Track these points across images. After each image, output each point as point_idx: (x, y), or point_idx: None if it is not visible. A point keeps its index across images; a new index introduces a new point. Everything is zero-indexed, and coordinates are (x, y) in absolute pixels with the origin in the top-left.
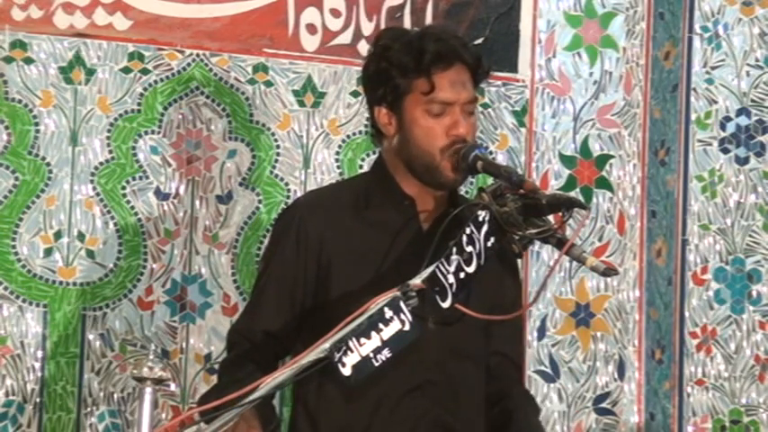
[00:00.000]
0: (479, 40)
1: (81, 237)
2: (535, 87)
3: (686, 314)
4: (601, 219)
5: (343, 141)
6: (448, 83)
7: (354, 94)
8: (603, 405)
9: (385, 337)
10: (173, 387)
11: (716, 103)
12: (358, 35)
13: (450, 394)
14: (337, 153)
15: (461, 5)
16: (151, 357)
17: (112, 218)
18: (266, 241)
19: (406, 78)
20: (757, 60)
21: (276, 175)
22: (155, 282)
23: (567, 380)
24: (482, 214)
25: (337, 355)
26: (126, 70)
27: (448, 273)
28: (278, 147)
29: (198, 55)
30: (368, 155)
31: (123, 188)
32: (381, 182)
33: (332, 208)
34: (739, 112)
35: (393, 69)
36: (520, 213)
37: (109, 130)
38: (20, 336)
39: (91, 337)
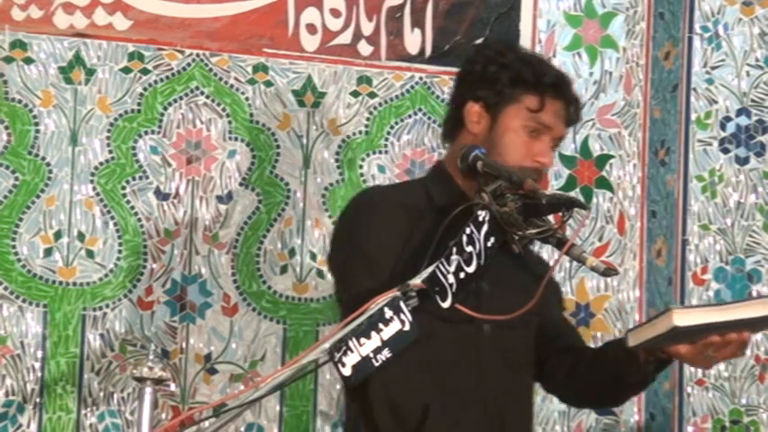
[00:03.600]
0: (479, 40)
1: (81, 237)
2: None
3: None
4: (601, 219)
5: (343, 141)
6: (553, 111)
7: (354, 94)
8: None
9: (385, 337)
10: (173, 387)
11: (716, 103)
12: (358, 35)
13: (501, 408)
14: (337, 153)
15: (461, 5)
16: (151, 357)
17: (112, 218)
18: (343, 227)
19: (517, 89)
20: (757, 60)
21: (276, 175)
22: (155, 282)
23: None
24: (482, 214)
25: (337, 355)
26: (126, 70)
27: (448, 273)
28: (278, 147)
29: (198, 55)
30: (368, 155)
31: (123, 188)
32: (445, 186)
33: (403, 206)
34: (739, 112)
35: (504, 75)
36: (520, 213)
37: (109, 130)
38: (20, 336)
39: (91, 337)
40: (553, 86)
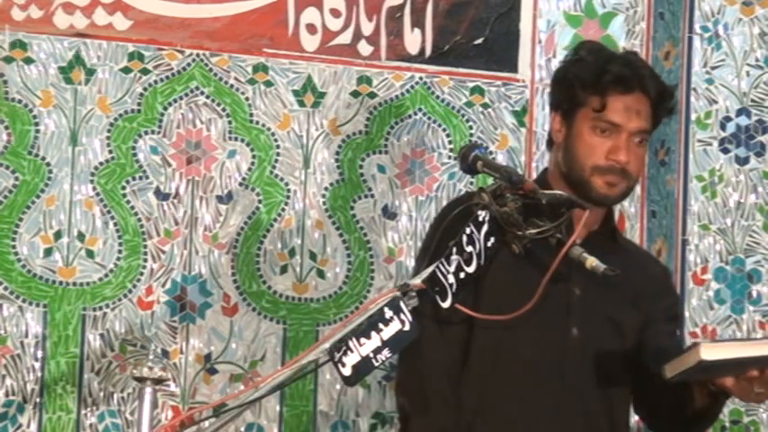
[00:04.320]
0: (479, 40)
1: (81, 237)
2: (535, 87)
3: (686, 314)
4: None
5: (343, 141)
6: (622, 106)
7: (354, 94)
8: None
9: (385, 337)
10: (173, 387)
11: (716, 103)
12: (358, 35)
13: (585, 416)
14: (337, 153)
15: (461, 5)
16: (151, 357)
17: (112, 218)
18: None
19: (584, 92)
20: (757, 60)
21: (276, 175)
22: (155, 282)
23: None
24: (482, 214)
25: (337, 355)
26: (126, 70)
27: (448, 273)
28: (278, 147)
29: (198, 55)
30: (368, 155)
31: (123, 188)
32: None
33: None
34: (739, 112)
35: (576, 81)
36: (520, 213)
37: (109, 130)
38: (20, 336)
39: (91, 337)
40: (616, 83)
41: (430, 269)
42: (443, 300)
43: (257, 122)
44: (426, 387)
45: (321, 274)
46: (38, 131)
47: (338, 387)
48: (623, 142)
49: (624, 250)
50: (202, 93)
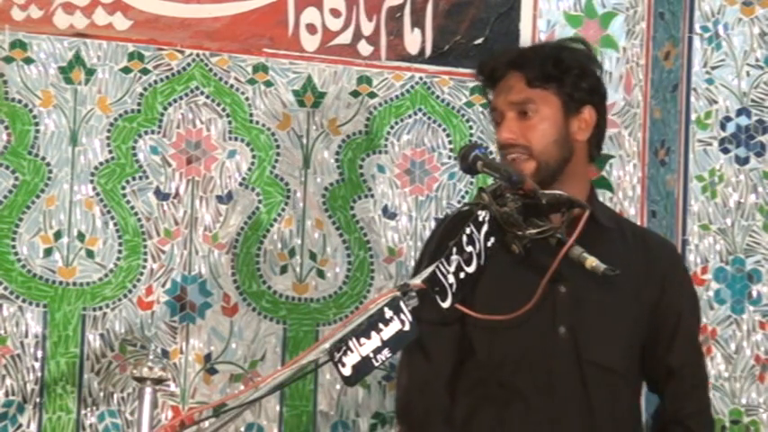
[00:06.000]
0: (479, 40)
1: (81, 237)
2: None
3: None
4: None
5: (343, 141)
6: (497, 93)
7: (354, 94)
8: None
9: (385, 337)
10: (173, 387)
11: (716, 103)
12: (358, 35)
13: (585, 420)
14: (337, 153)
15: (461, 5)
16: (151, 357)
17: (112, 218)
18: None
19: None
20: (757, 60)
21: (276, 175)
22: (155, 282)
23: None
24: (482, 214)
25: (337, 355)
26: (126, 70)
27: (448, 273)
28: (278, 147)
29: (198, 55)
30: (368, 155)
31: (123, 188)
32: None
33: None
34: (739, 112)
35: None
36: (520, 213)
37: (109, 130)
38: (20, 336)
39: (91, 337)
40: (489, 78)
41: (430, 269)
42: (443, 300)
43: (257, 122)
44: (415, 404)
45: (321, 274)
46: (38, 131)
47: (338, 387)
48: (505, 122)
49: (619, 232)
50: (202, 93)
